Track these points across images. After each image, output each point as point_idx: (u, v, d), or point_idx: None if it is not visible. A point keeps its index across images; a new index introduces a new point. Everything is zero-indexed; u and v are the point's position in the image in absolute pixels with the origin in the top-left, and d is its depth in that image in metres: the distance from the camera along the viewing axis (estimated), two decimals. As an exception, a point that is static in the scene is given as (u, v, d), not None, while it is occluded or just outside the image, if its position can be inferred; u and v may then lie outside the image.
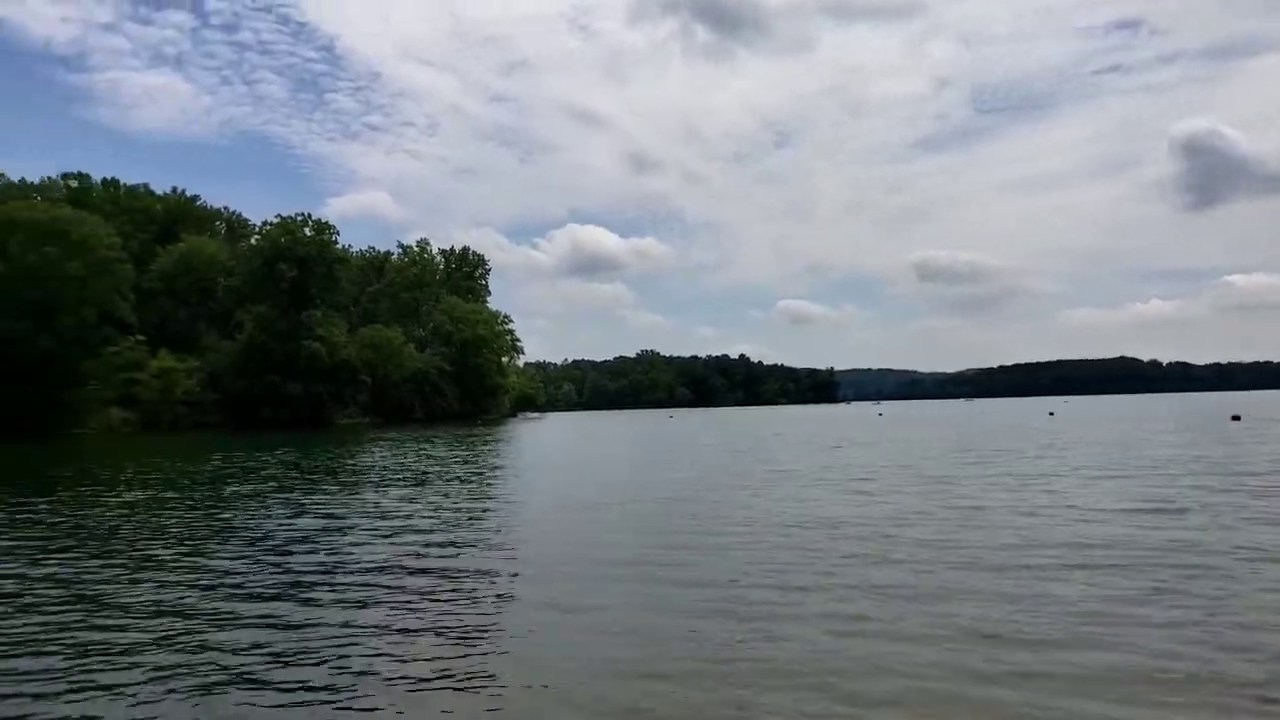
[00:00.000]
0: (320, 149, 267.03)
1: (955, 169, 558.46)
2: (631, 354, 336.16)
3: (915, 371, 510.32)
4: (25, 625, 9.06)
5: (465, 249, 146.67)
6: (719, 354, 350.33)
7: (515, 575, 11.23)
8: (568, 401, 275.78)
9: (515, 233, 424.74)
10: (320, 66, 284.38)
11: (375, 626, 8.71)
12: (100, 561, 12.73)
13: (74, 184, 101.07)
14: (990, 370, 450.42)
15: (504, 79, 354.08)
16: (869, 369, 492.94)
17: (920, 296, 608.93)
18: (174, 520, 17.24)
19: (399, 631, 8.51)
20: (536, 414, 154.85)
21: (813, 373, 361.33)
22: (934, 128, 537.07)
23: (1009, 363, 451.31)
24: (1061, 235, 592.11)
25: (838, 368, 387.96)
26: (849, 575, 10.64)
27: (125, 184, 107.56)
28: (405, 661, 7.52)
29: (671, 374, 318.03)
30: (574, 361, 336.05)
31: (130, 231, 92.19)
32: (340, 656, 7.68)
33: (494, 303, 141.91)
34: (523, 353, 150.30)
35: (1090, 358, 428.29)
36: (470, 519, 16.74)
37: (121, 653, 7.91)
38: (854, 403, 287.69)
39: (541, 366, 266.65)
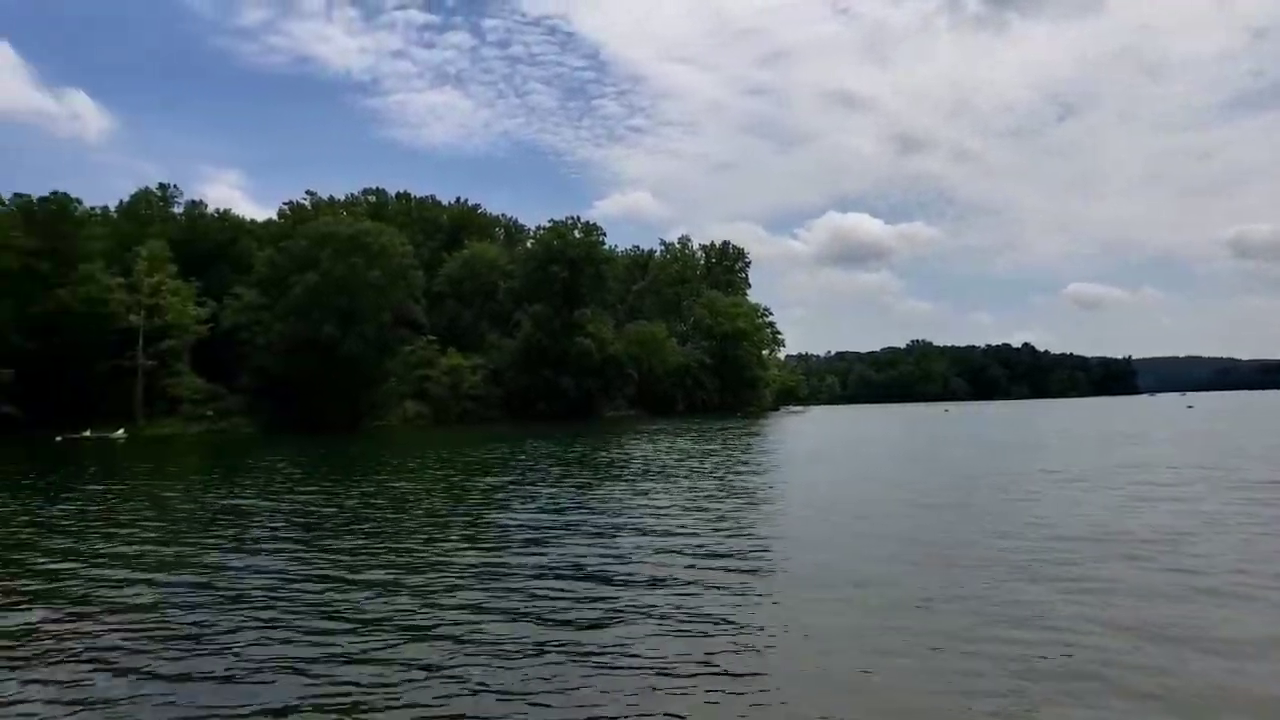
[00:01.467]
0: (587, 154, 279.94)
1: (1278, 130, 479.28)
2: (900, 344, 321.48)
3: (1232, 359, 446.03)
4: (286, 610, 9.39)
5: (725, 243, 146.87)
6: (998, 343, 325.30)
7: (766, 583, 10.26)
8: (831, 394, 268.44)
9: (774, 224, 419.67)
10: (587, 74, 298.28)
11: (619, 625, 8.51)
12: (371, 546, 13.48)
13: (373, 199, 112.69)
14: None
15: (762, 70, 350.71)
16: (1174, 356, 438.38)
17: (1236, 275, 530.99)
18: (446, 509, 18.21)
19: (644, 635, 8.12)
20: (798, 407, 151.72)
21: (1107, 362, 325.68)
22: (1249, 85, 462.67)
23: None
24: None
25: (1136, 356, 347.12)
26: (1125, 605, 8.73)
27: (415, 196, 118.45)
28: (650, 674, 7.08)
29: (945, 365, 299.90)
30: (837, 353, 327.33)
31: (421, 240, 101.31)
32: (587, 655, 7.54)
33: (754, 295, 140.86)
34: (784, 345, 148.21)
35: None
36: (726, 517, 15.77)
37: (375, 646, 7.97)
38: (1157, 394, 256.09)
39: (803, 359, 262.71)
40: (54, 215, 76.00)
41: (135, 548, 13.80)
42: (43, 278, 71.24)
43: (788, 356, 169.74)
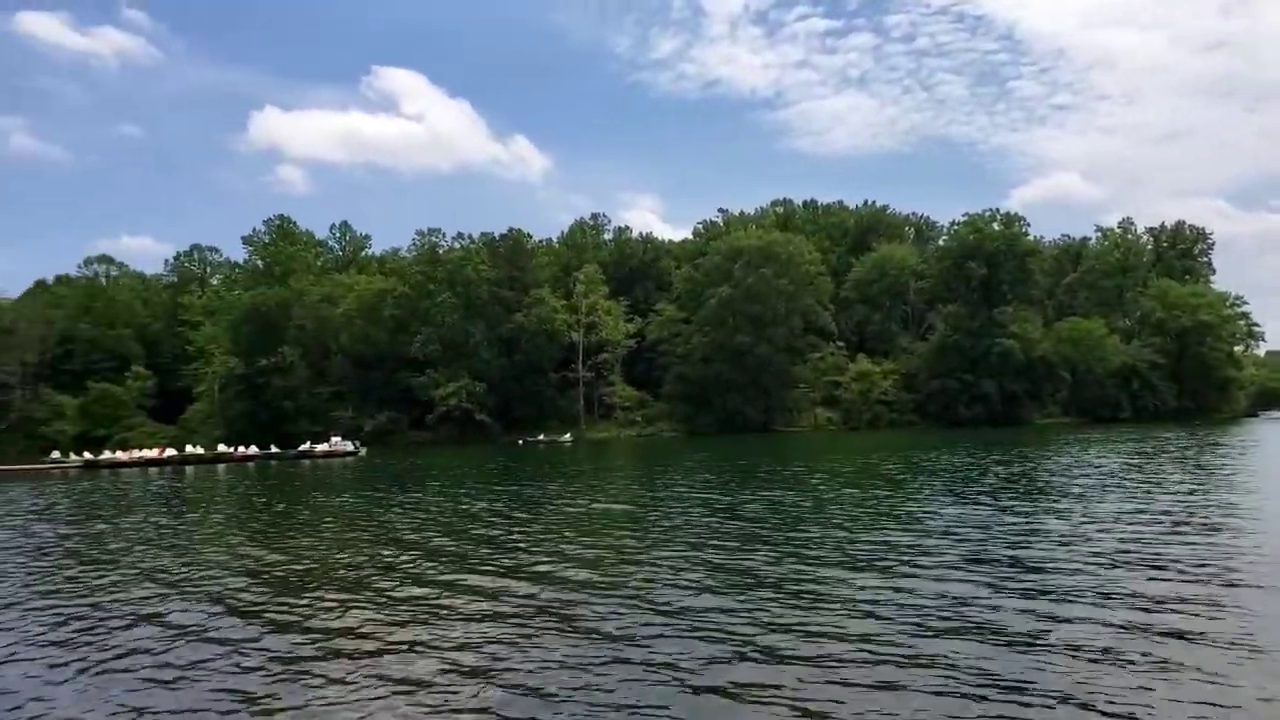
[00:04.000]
0: (1003, 140, 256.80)
1: None
2: None
3: None
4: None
5: (1179, 223, 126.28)
6: None
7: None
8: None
9: (1243, 197, 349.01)
10: (1001, 56, 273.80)
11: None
12: (781, 553, 13.04)
13: (780, 210, 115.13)
14: None
15: (1223, 20, 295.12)
16: None
17: None
18: (850, 517, 16.83)
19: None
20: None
21: None
22: None
23: None
24: None
25: None
26: None
27: (822, 203, 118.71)
28: None
29: None
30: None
31: (827, 246, 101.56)
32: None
33: (1220, 282, 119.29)
34: (1263, 340, 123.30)
35: None
36: (1178, 560, 12.08)
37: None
38: None
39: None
40: (512, 249, 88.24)
41: (582, 538, 15.41)
42: (504, 303, 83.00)
43: (1269, 353, 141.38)
